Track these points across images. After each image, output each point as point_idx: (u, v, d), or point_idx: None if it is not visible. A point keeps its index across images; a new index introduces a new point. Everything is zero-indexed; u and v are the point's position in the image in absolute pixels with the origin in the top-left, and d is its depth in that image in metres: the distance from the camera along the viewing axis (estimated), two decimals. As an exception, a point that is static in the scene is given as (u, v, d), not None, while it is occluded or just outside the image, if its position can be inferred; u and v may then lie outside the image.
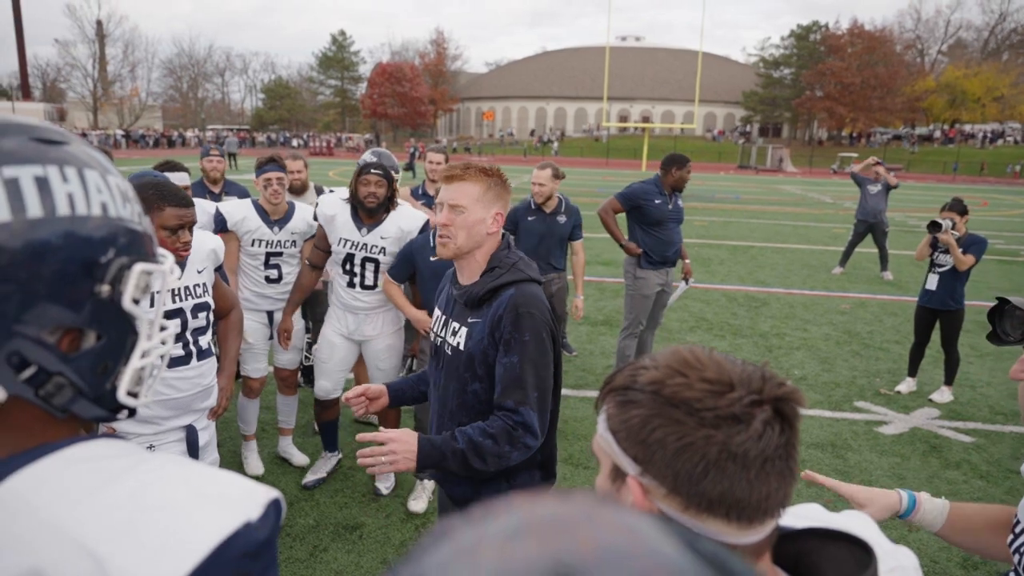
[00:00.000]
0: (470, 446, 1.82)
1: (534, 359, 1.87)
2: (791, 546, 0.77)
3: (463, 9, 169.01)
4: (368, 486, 3.78)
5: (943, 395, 5.30)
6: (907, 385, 5.47)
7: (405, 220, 3.56)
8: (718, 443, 0.67)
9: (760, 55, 68.24)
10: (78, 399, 0.67)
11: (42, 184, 0.62)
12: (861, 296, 8.83)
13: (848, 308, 8.14)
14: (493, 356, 1.92)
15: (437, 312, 2.17)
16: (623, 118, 69.61)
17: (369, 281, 3.58)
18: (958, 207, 5.20)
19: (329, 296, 4.05)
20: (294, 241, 3.89)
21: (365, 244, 3.51)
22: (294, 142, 56.91)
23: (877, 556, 0.74)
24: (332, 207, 3.54)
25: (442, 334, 2.09)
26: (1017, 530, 1.34)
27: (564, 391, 5.26)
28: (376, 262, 3.54)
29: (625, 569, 0.29)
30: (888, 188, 9.58)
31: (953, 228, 5.11)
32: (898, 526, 3.43)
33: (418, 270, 3.46)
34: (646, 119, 67.68)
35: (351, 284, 3.59)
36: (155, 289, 0.74)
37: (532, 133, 70.21)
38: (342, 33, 71.47)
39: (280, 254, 3.89)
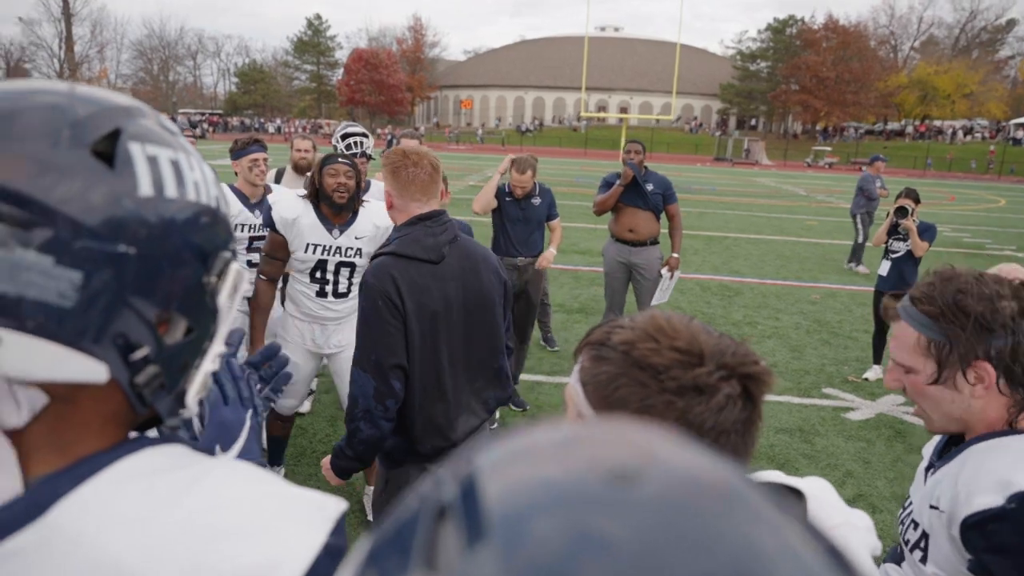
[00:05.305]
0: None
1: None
2: None
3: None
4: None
5: (908, 383, 5.44)
6: (874, 372, 5.59)
7: (379, 216, 3.15)
8: (677, 410, 0.70)
9: (737, 48, 68.74)
10: (162, 394, 0.62)
11: (176, 167, 0.62)
12: (832, 287, 8.99)
13: (818, 298, 8.28)
14: None
15: None
16: (601, 108, 69.67)
17: (343, 288, 3.22)
18: (914, 195, 5.65)
19: (285, 307, 3.49)
20: None
21: (339, 248, 3.13)
22: (268, 127, 56.04)
23: (811, 503, 0.76)
24: (291, 208, 3.10)
25: None
26: (905, 504, 1.42)
27: (538, 377, 5.31)
28: (352, 266, 3.18)
29: (681, 474, 0.29)
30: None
31: (912, 215, 5.45)
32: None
33: None
34: (624, 110, 67.85)
35: (321, 293, 3.21)
36: (241, 291, 0.69)
37: (481, 126, 69.90)
38: (318, 17, 70.44)
39: (263, 237, 3.85)
